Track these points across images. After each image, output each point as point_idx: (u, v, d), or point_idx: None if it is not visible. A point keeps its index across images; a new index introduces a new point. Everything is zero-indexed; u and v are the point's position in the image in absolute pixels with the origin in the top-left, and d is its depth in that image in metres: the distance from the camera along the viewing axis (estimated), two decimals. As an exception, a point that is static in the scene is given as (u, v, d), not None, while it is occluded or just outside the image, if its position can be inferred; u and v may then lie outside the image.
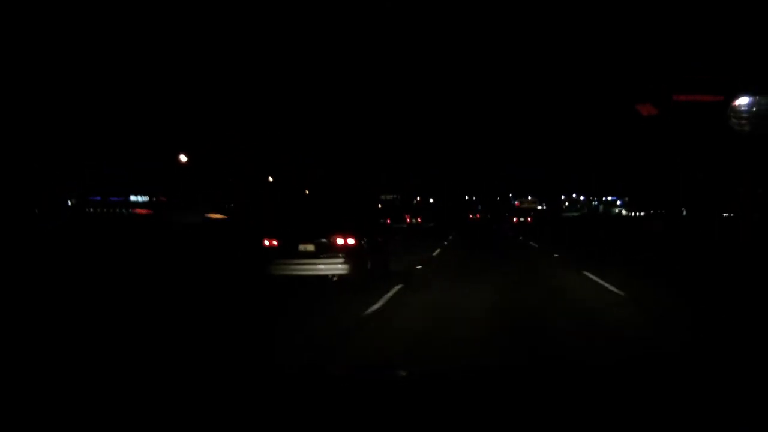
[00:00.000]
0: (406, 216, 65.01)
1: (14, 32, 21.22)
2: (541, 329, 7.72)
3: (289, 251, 12.01)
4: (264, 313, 9.44)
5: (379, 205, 68.72)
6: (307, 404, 2.16)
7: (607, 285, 11.62)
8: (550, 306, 9.58)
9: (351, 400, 2.21)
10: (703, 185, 27.82)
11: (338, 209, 36.15)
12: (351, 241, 12.05)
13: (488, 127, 79.74)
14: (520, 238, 31.59)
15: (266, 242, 12.28)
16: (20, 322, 8.48)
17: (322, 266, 11.80)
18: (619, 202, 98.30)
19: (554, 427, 1.94)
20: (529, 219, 72.17)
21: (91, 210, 34.08)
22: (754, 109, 10.27)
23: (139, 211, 34.80)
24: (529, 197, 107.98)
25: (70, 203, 32.67)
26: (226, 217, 33.38)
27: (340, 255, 11.81)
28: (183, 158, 29.51)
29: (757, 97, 9.86)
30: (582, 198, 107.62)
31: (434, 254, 20.94)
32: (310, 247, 11.95)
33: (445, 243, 27.59)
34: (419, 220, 65.55)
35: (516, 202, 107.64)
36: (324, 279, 11.88)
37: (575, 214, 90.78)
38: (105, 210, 34.76)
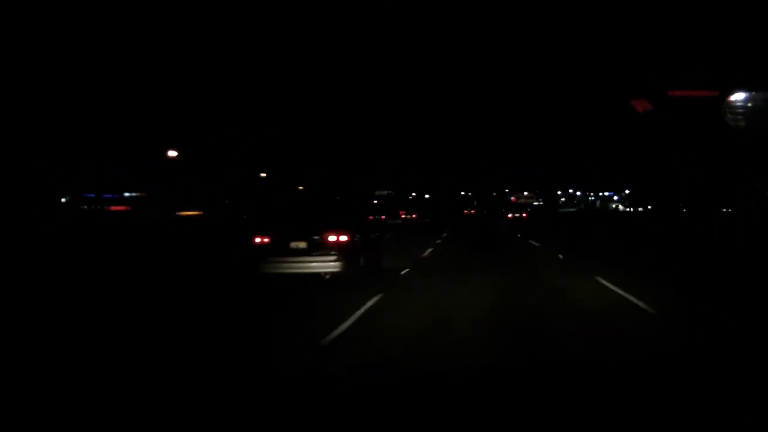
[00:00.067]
0: (401, 212, 64.70)
1: (14, 32, 21.25)
2: (541, 329, 7.74)
3: (280, 249, 11.88)
4: (257, 312, 9.42)
5: (375, 201, 68.39)
6: (307, 404, 2.21)
7: (609, 285, 11.64)
8: (549, 306, 9.61)
9: (351, 400, 2.25)
10: (703, 184, 27.82)
11: (331, 206, 35.98)
12: (343, 238, 11.91)
13: (488, 127, 79.72)
14: (519, 235, 31.01)
15: (257, 240, 12.13)
16: (21, 323, 8.58)
17: (314, 264, 11.70)
18: (616, 198, 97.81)
19: (554, 427, 2.00)
20: (524, 215, 71.54)
21: (86, 207, 33.68)
22: (749, 104, 10.39)
23: (115, 208, 34.06)
24: (526, 193, 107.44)
25: (63, 200, 32.35)
26: (200, 213, 32.92)
27: (333, 252, 11.68)
28: (172, 153, 29.38)
29: (753, 93, 9.99)
30: (578, 193, 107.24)
31: (424, 255, 20.13)
32: (302, 245, 11.83)
33: (438, 241, 26.88)
34: (414, 216, 65.21)
35: (512, 198, 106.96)
36: (316, 277, 11.79)
37: (572, 209, 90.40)
38: (82, 207, 33.91)
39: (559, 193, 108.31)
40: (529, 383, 2.55)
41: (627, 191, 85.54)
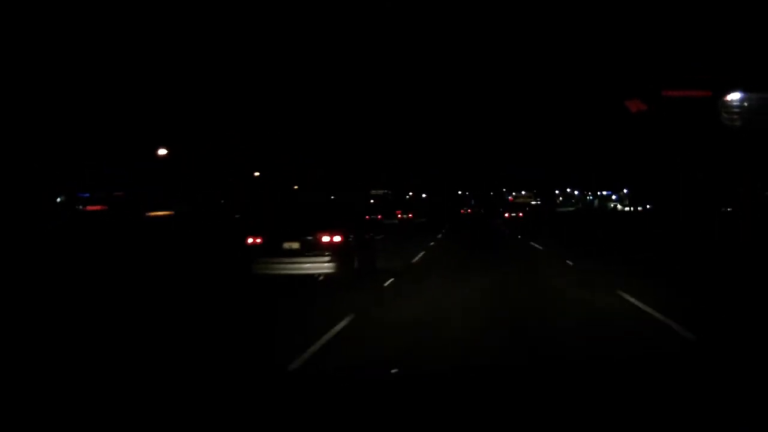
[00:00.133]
0: (397, 212, 64.44)
1: (14, 32, 21.31)
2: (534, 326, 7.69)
3: (273, 249, 11.61)
4: (247, 315, 9.31)
5: (372, 201, 68.12)
6: (305, 405, 2.21)
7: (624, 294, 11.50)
8: (550, 306, 9.55)
9: (349, 400, 2.27)
10: (703, 184, 27.85)
11: (325, 206, 35.62)
12: (337, 238, 11.63)
13: (488, 127, 79.82)
14: (519, 237, 29.97)
15: (250, 240, 11.86)
16: (21, 324, 8.56)
17: (307, 265, 11.43)
18: (614, 197, 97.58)
19: (554, 427, 2.00)
20: (520, 214, 71.10)
21: (80, 207, 33.25)
22: (745, 104, 10.52)
23: (91, 207, 32.52)
24: (524, 192, 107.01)
25: (59, 200, 32.10)
26: (171, 213, 31.71)
27: (326, 253, 11.41)
28: (162, 151, 29.31)
29: (749, 93, 10.11)
30: (576, 193, 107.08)
31: (418, 257, 19.02)
32: (295, 245, 11.55)
33: (432, 243, 25.50)
34: (410, 215, 64.94)
35: (510, 197, 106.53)
36: (310, 278, 11.52)
37: (570, 209, 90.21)
38: (77, 207, 33.12)
39: (557, 192, 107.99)
40: (528, 383, 2.52)
41: (625, 190, 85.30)
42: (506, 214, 72.24)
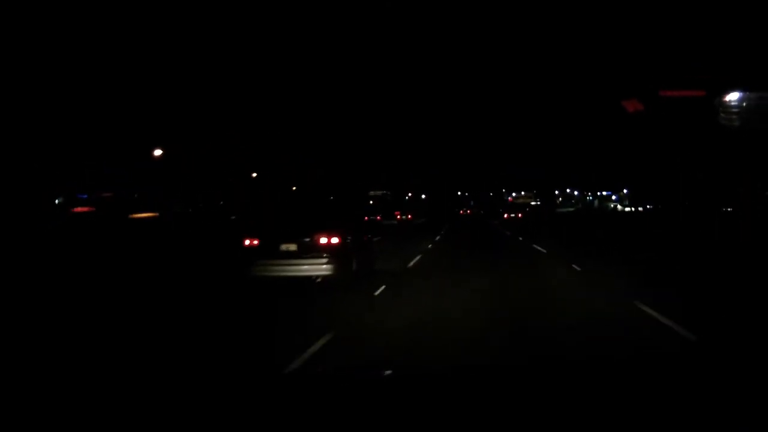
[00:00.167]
0: (396, 213, 64.35)
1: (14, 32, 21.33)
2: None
3: (270, 251, 11.49)
4: (243, 317, 9.23)
5: (371, 202, 68.04)
6: (301, 407, 2.22)
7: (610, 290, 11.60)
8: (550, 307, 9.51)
9: (348, 401, 2.29)
10: (703, 184, 27.86)
11: (323, 207, 35.37)
12: (335, 240, 11.52)
13: (488, 127, 79.90)
14: (521, 238, 29.03)
15: (247, 242, 11.74)
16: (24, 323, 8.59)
17: (305, 267, 11.28)
18: (614, 197, 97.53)
19: (554, 427, 1.99)
20: (519, 215, 70.77)
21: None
22: (744, 104, 10.55)
23: (79, 209, 31.53)
24: (523, 192, 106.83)
25: (57, 202, 31.90)
26: (155, 215, 31.24)
27: (324, 255, 11.27)
28: (157, 152, 29.28)
29: (747, 93, 10.13)
30: (576, 193, 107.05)
31: (416, 261, 18.09)
32: (293, 247, 11.42)
33: (430, 246, 24.44)
34: (410, 216, 64.85)
35: (509, 198, 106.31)
36: (307, 280, 11.40)
37: (570, 209, 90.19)
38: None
39: (557, 192, 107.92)
40: (528, 382, 2.53)
41: (625, 191, 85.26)
42: (505, 215, 71.88)
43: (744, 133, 12.69)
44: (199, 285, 12.69)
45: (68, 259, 16.59)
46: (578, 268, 14.81)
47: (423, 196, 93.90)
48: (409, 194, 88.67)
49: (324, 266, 11.22)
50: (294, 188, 41.10)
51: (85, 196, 33.53)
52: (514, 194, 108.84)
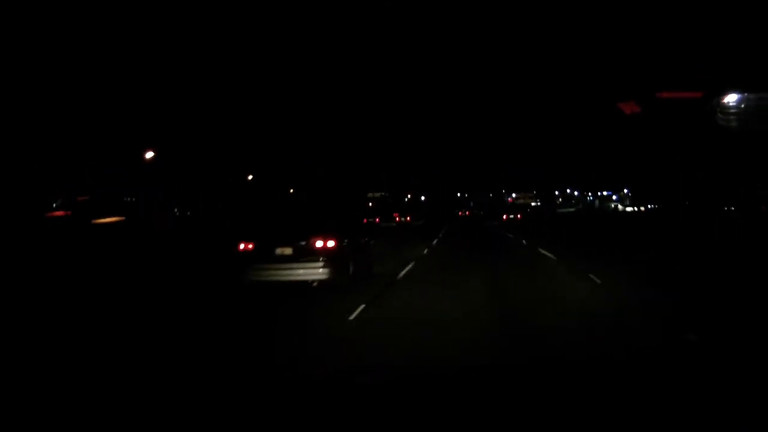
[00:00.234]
0: (395, 214, 64.23)
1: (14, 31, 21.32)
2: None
3: (265, 255, 11.34)
4: (239, 323, 9.09)
5: (370, 204, 67.92)
6: (298, 409, 2.22)
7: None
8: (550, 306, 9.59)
9: (348, 403, 2.28)
10: (703, 184, 27.82)
11: (320, 208, 35.09)
12: (331, 243, 11.37)
13: (488, 127, 79.86)
14: (524, 242, 27.37)
15: (241, 246, 11.56)
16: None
17: (301, 271, 11.16)
18: (615, 197, 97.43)
19: (554, 427, 2.03)
20: (518, 216, 70.22)
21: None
22: (742, 105, 10.55)
23: (54, 214, 29.42)
24: (523, 193, 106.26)
25: (54, 205, 31.53)
26: (122, 219, 29.81)
27: (320, 259, 11.16)
28: (149, 155, 29.12)
29: (746, 94, 10.15)
30: (576, 193, 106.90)
31: (414, 264, 17.31)
32: (288, 251, 11.30)
33: (425, 252, 22.83)
34: (408, 218, 64.80)
35: (509, 198, 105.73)
36: (303, 284, 11.26)
37: (571, 210, 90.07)
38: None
39: (557, 193, 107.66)
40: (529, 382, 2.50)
41: (626, 190, 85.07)
42: (504, 216, 71.31)
43: (743, 135, 12.69)
44: (192, 291, 12.44)
45: (59, 261, 16.27)
46: (598, 280, 12.63)
47: (422, 198, 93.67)
48: (409, 196, 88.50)
49: (320, 270, 11.11)
50: (291, 191, 40.93)
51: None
52: (514, 195, 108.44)
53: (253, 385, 2.97)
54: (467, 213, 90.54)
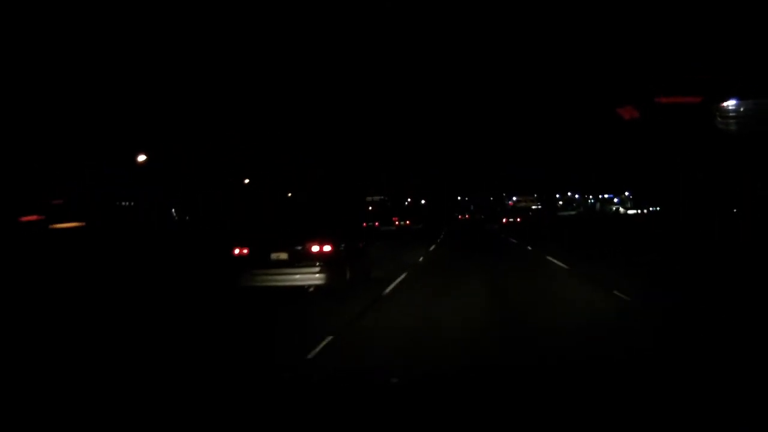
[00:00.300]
0: (394, 218, 64.24)
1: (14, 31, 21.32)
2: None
3: (260, 261, 11.16)
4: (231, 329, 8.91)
5: (370, 208, 67.87)
6: (298, 410, 2.23)
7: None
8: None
9: (348, 403, 2.29)
10: (703, 185, 27.81)
11: (316, 211, 34.82)
12: (327, 248, 11.16)
13: (488, 127, 79.90)
14: (529, 247, 25.62)
15: (236, 251, 11.37)
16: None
17: (297, 276, 10.98)
18: (616, 200, 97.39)
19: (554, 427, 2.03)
20: (518, 219, 69.56)
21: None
22: (741, 109, 10.54)
23: (26, 218, 26.52)
24: (525, 196, 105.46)
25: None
26: (81, 224, 27.78)
27: (317, 264, 10.96)
28: (141, 158, 29.00)
29: (744, 99, 10.13)
30: (577, 196, 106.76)
31: (412, 268, 17.04)
32: (283, 256, 11.12)
33: (420, 260, 20.98)
34: (408, 222, 64.75)
35: (510, 202, 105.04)
36: (299, 290, 11.11)
37: (572, 212, 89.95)
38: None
39: (557, 196, 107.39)
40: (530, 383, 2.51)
41: (627, 193, 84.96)
42: (503, 220, 70.72)
43: (741, 137, 12.68)
44: (189, 295, 12.26)
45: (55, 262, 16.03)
46: (626, 297, 10.57)
47: (423, 201, 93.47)
48: (409, 200, 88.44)
49: (316, 275, 10.92)
50: (290, 194, 40.81)
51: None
52: (515, 198, 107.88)
53: (253, 385, 2.93)
54: (467, 216, 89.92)
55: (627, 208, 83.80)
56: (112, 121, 27.39)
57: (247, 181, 34.39)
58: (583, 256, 19.44)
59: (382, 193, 74.33)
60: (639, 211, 63.65)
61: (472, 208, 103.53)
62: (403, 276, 14.62)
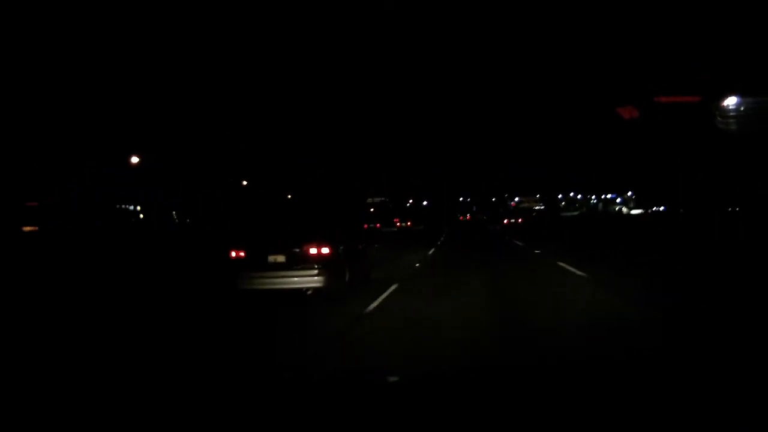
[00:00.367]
0: (395, 220, 64.11)
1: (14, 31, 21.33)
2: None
3: (257, 263, 10.99)
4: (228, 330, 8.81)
5: (372, 209, 67.81)
6: (298, 409, 2.24)
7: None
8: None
9: (348, 403, 2.30)
10: (704, 185, 27.80)
11: (315, 212, 34.59)
12: (326, 250, 11.01)
13: (488, 127, 79.94)
14: (537, 251, 24.16)
15: (233, 253, 11.22)
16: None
17: (295, 279, 10.81)
18: (618, 200, 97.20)
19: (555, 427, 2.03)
20: (519, 220, 69.03)
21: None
22: (741, 108, 10.51)
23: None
24: (528, 197, 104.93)
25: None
26: (35, 228, 27.24)
27: (315, 266, 10.79)
28: (134, 159, 28.95)
29: (745, 97, 10.09)
30: (579, 196, 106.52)
31: (412, 271, 16.83)
32: (281, 258, 10.93)
33: (424, 258, 21.57)
34: (409, 223, 64.68)
35: (512, 203, 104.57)
36: (297, 293, 10.99)
37: (574, 213, 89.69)
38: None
39: (560, 196, 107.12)
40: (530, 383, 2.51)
41: (630, 193, 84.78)
42: (505, 221, 70.18)
43: (741, 136, 12.64)
44: (189, 297, 12.20)
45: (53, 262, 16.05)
46: (627, 297, 10.51)
47: (425, 203, 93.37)
48: (411, 201, 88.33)
49: (315, 278, 10.77)
50: (290, 195, 40.79)
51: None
52: (517, 198, 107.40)
53: (253, 384, 2.92)
54: (468, 217, 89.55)
55: (630, 208, 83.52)
56: (112, 121, 27.39)
57: (245, 182, 34.42)
58: (584, 257, 19.39)
59: (383, 193, 74.32)
60: (643, 211, 63.45)
61: (474, 209, 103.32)
62: (403, 277, 14.53)
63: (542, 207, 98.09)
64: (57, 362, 6.90)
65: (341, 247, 11.86)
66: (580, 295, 11.17)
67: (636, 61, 19.00)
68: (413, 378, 3.34)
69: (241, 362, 6.50)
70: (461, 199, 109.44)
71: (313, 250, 10.98)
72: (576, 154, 64.99)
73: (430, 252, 25.31)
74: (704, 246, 20.88)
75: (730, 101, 10.12)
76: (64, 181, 29.79)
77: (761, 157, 18.16)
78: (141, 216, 35.67)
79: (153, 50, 25.88)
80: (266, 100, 30.12)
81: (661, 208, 51.75)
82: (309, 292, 11.05)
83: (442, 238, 36.66)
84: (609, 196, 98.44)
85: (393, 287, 12.50)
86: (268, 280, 10.90)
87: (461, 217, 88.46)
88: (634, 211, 74.49)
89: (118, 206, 34.79)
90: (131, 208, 36.11)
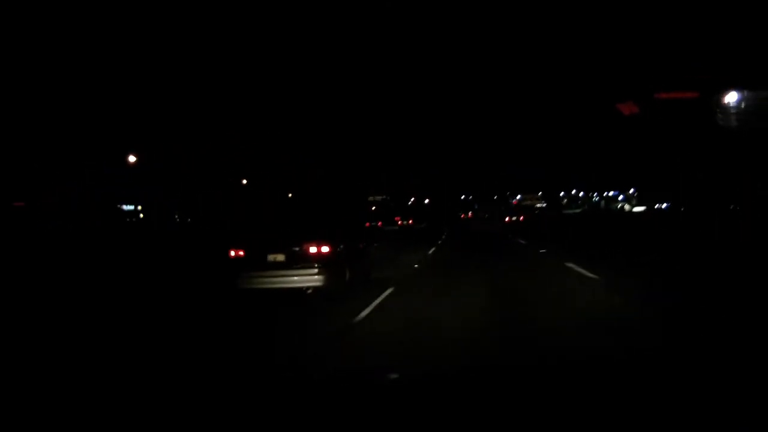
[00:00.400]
0: (397, 218, 64.18)
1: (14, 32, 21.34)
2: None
3: (257, 263, 10.96)
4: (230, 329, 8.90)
5: (373, 208, 67.86)
6: (298, 409, 2.25)
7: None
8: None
9: (348, 403, 2.31)
10: (704, 184, 27.78)
11: (315, 211, 34.55)
12: (326, 249, 10.98)
13: (488, 127, 79.97)
14: (543, 250, 23.54)
15: (232, 253, 11.20)
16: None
17: (294, 278, 10.79)
18: (621, 197, 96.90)
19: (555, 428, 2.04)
20: (521, 218, 68.77)
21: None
22: (742, 105, 10.47)
23: None
24: (530, 195, 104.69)
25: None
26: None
27: (315, 265, 10.76)
28: (132, 158, 28.92)
29: (745, 93, 10.06)
30: (581, 194, 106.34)
31: (413, 270, 16.89)
32: (281, 257, 10.92)
33: (416, 265, 19.28)
34: (410, 221, 64.74)
35: (514, 201, 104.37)
36: (297, 292, 10.97)
37: (577, 210, 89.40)
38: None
39: (562, 194, 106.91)
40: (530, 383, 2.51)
41: (632, 190, 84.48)
42: (506, 219, 69.96)
43: (743, 134, 12.61)
44: (189, 297, 12.20)
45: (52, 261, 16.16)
46: (627, 297, 10.70)
47: (426, 201, 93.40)
48: (412, 199, 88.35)
49: (315, 277, 10.74)
50: (291, 194, 40.78)
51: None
52: (519, 196, 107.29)
53: (253, 384, 2.92)
54: (470, 215, 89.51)
55: (633, 206, 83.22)
56: (112, 121, 27.39)
57: (245, 181, 34.47)
58: (584, 257, 19.38)
59: (383, 193, 74.24)
60: (645, 209, 63.22)
61: (475, 206, 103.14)
62: (403, 277, 14.49)
63: (544, 204, 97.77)
64: (57, 362, 6.92)
65: (341, 246, 11.84)
66: (580, 295, 11.16)
67: (636, 60, 19.00)
68: (413, 378, 3.35)
69: (242, 362, 6.52)
70: (462, 197, 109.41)
71: (312, 249, 10.95)
72: (576, 153, 64.95)
73: (432, 250, 25.13)
74: (704, 245, 20.84)
75: (731, 98, 10.08)
76: (64, 181, 29.80)
77: (761, 156, 18.14)
78: (141, 216, 35.82)
79: (152, 50, 25.90)
80: (266, 100, 30.19)
81: (664, 206, 51.61)
82: (309, 292, 11.03)
83: (443, 237, 36.54)
84: (611, 193, 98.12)
85: (393, 287, 12.44)
86: (267, 280, 10.88)
87: (462, 215, 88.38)
88: (637, 209, 74.20)
89: (118, 206, 34.89)
90: (131, 207, 36.28)
